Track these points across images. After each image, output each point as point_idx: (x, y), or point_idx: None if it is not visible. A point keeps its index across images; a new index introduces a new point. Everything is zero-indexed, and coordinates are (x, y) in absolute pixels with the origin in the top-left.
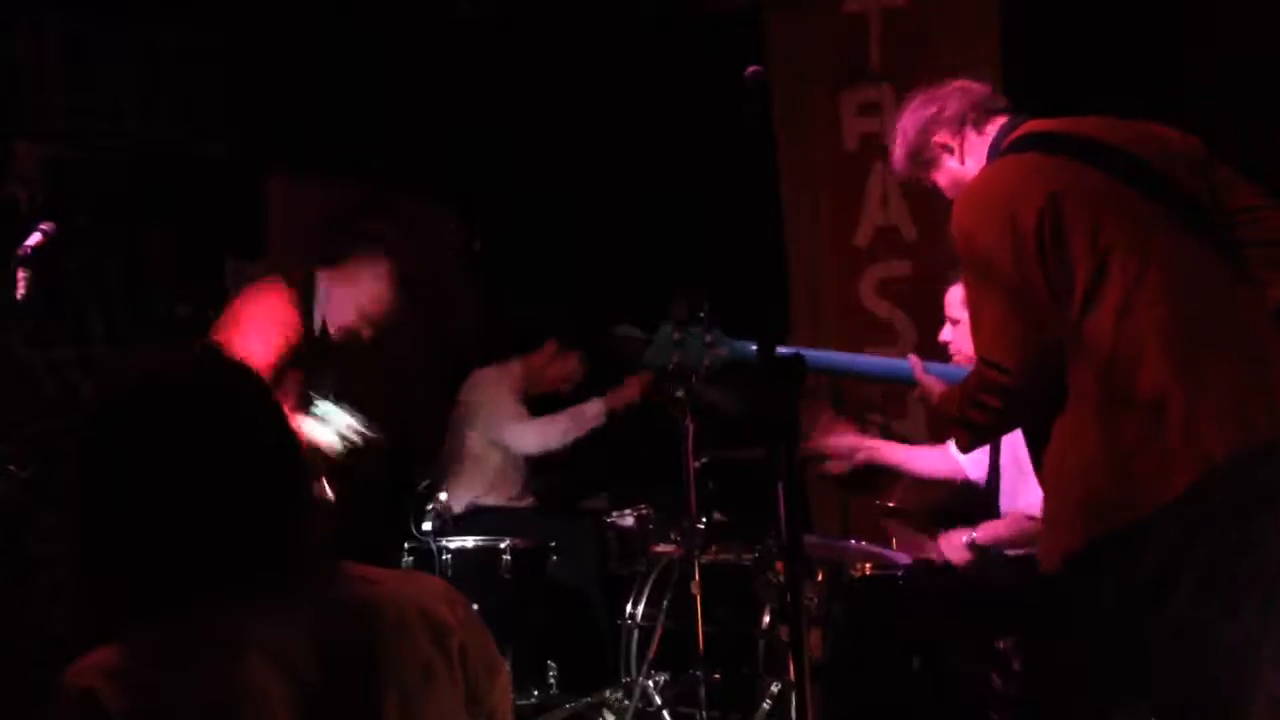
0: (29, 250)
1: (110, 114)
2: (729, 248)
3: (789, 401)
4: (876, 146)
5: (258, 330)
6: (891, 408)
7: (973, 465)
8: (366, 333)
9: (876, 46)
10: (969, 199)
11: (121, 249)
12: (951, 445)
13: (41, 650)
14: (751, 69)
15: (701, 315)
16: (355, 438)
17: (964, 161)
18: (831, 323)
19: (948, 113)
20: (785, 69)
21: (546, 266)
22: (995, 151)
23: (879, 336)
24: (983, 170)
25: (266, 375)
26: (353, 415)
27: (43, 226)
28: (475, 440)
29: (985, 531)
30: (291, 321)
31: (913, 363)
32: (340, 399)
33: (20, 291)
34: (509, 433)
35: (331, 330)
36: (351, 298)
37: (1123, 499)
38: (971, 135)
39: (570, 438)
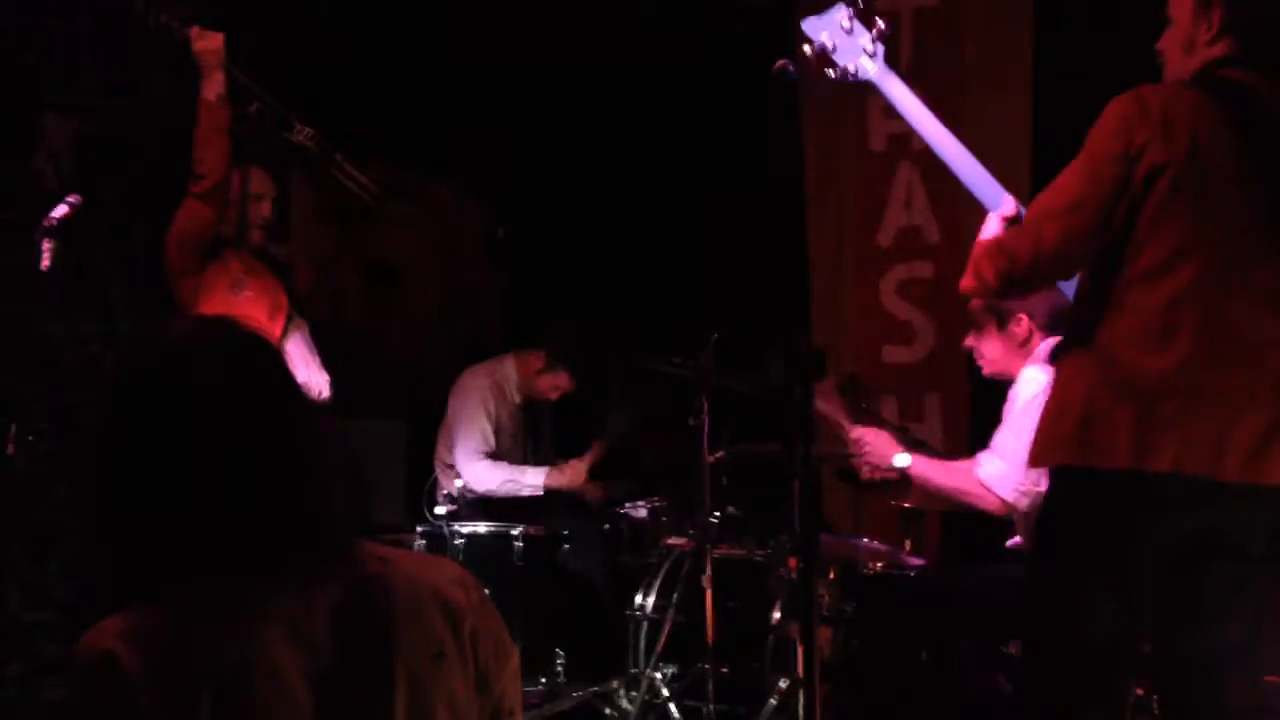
0: (55, 222)
1: (139, 88)
2: (750, 242)
3: (805, 398)
4: (903, 146)
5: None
6: (909, 411)
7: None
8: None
9: (907, 46)
10: (1134, 97)
11: (147, 223)
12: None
13: (56, 619)
14: (780, 62)
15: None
16: None
17: (1181, 45)
18: (851, 322)
19: (1227, 8)
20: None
21: (567, 255)
22: (1196, 75)
23: (898, 337)
24: (1168, 84)
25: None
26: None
27: (69, 199)
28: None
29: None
30: None
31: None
32: None
33: (45, 263)
34: (460, 459)
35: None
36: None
37: (1084, 443)
38: (1204, 38)
39: (505, 491)
